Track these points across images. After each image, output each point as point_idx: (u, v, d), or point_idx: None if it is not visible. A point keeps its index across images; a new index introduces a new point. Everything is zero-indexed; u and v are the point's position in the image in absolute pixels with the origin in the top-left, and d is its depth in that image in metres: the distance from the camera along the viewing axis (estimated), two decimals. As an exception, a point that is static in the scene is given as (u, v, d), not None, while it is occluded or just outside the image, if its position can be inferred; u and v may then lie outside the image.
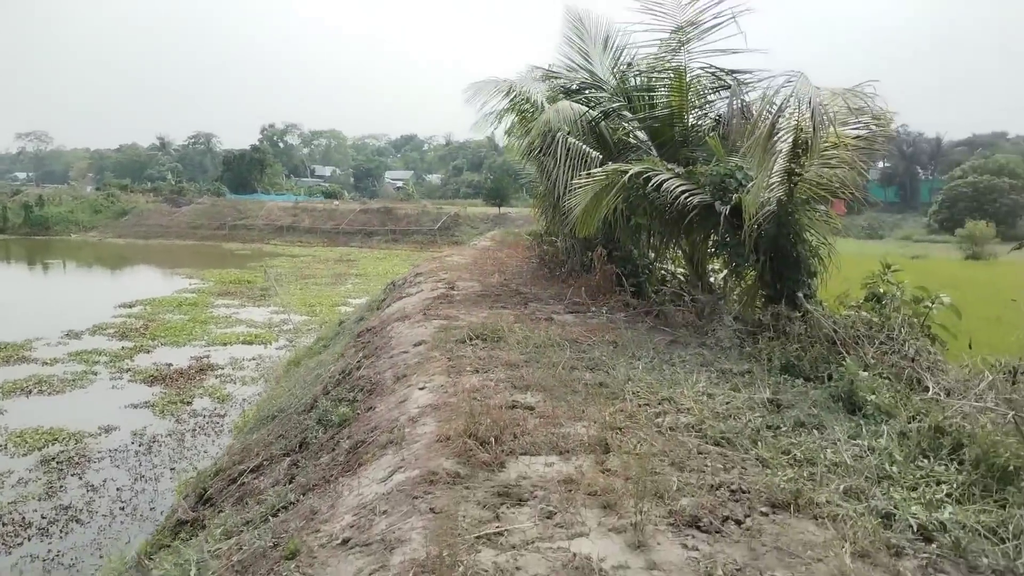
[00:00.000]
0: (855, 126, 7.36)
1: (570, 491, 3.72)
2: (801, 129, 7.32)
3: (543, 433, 4.63)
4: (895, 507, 3.67)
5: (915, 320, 7.45)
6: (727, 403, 5.50)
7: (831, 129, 6.49)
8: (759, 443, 4.62)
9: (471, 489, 3.73)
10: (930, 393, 5.83)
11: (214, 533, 4.52)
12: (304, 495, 4.56)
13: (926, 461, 4.27)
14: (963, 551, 3.29)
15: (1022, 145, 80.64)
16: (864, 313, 8.21)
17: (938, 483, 3.99)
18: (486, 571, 2.88)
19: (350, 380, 7.50)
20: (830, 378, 6.12)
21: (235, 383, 15.37)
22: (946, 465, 4.20)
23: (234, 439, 10.47)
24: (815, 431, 4.87)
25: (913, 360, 6.33)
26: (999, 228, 43.14)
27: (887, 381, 5.96)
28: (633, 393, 5.67)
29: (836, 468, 4.22)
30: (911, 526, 3.50)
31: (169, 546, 5.58)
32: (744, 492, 3.84)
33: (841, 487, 3.91)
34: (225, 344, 19.20)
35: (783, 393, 5.74)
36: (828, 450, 4.47)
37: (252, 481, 6.13)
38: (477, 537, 3.17)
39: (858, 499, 3.81)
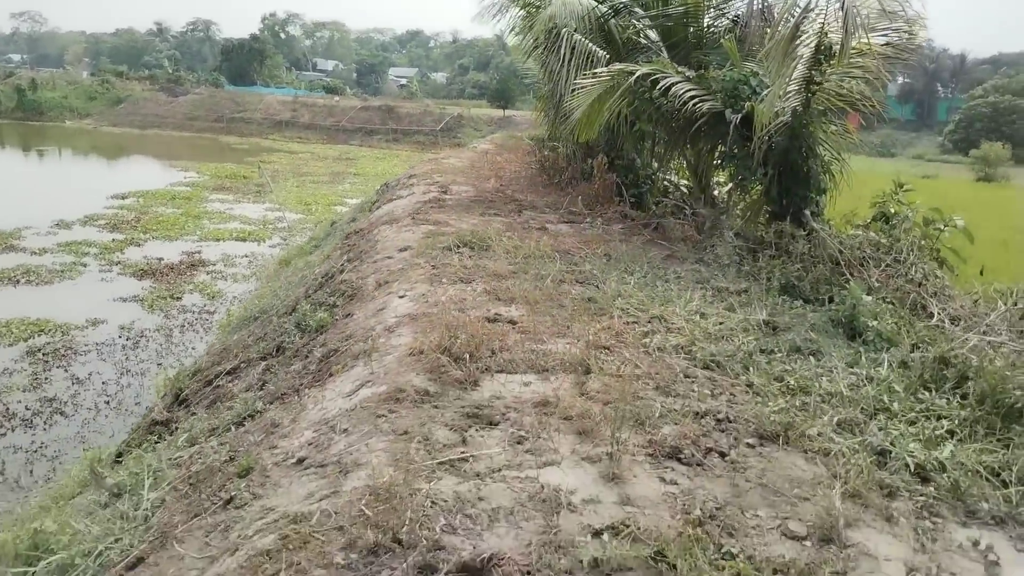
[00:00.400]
0: (883, 32, 6.74)
1: (545, 415, 3.47)
2: (826, 33, 6.72)
3: (522, 350, 4.36)
4: (892, 443, 3.43)
5: (925, 243, 7.08)
6: (720, 323, 5.22)
7: (861, 33, 5.90)
8: (751, 368, 4.36)
9: (440, 409, 3.49)
10: (934, 320, 5.56)
11: (177, 440, 4.33)
12: (270, 404, 4.34)
13: (927, 394, 4.01)
14: (962, 494, 3.07)
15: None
16: (872, 234, 7.84)
17: (939, 418, 3.74)
18: (445, 501, 2.65)
19: (332, 284, 7.22)
20: (831, 300, 5.83)
21: (226, 280, 15.14)
22: (948, 399, 3.94)
23: (216, 339, 10.31)
24: (811, 357, 4.60)
25: (920, 285, 6.02)
26: (1015, 151, 41.95)
27: (891, 306, 5.67)
28: (622, 310, 5.38)
29: (831, 398, 3.96)
30: (907, 465, 3.26)
31: (140, 447, 5.43)
32: (731, 422, 3.60)
33: (835, 419, 3.67)
34: (218, 240, 18.87)
35: (781, 315, 5.46)
36: (824, 378, 4.22)
37: (227, 384, 5.93)
38: (440, 463, 2.93)
39: (852, 433, 3.57)
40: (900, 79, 67.57)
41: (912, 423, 3.71)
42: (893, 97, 65.47)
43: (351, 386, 3.93)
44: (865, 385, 4.17)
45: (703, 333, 4.96)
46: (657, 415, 3.56)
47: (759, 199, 7.99)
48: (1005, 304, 5.35)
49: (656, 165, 10.85)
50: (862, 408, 3.85)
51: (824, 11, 6.45)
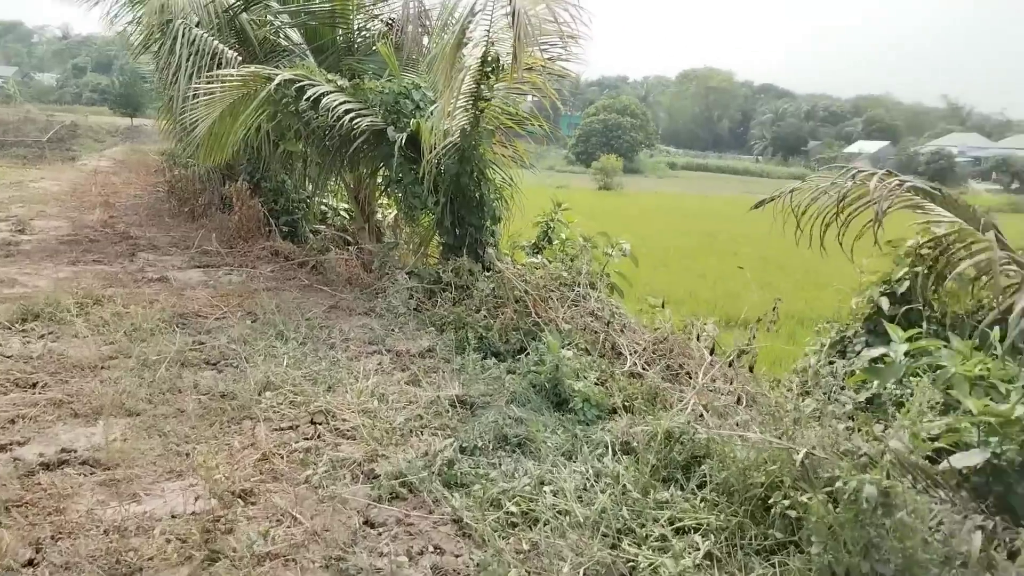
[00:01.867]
0: (546, 46, 6.14)
1: None
2: (492, 42, 5.90)
3: (99, 527, 2.60)
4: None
5: (599, 271, 6.71)
6: (407, 406, 3.98)
7: (530, 44, 5.11)
8: (453, 490, 3.17)
9: None
10: (628, 365, 4.99)
11: None
12: None
13: (667, 491, 3.20)
14: None
15: (639, 88, 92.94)
16: (547, 260, 7.34)
17: (693, 530, 2.93)
18: None
19: None
20: (522, 350, 4.98)
21: None
22: (692, 496, 3.18)
23: None
24: (523, 455, 3.57)
25: (608, 324, 5.47)
26: (625, 162, 48.77)
27: (586, 353, 4.99)
28: (273, 408, 3.83)
29: (564, 523, 2.94)
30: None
31: None
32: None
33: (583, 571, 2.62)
34: None
35: (474, 382, 4.40)
36: (548, 490, 3.19)
37: None
38: None
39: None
40: (530, 96, 74.64)
41: (663, 548, 2.83)
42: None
43: None
44: (594, 485, 3.25)
45: (385, 431, 3.65)
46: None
47: (430, 230, 6.98)
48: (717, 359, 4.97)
49: (311, 188, 9.31)
50: (603, 534, 2.88)
51: (491, 16, 5.61)
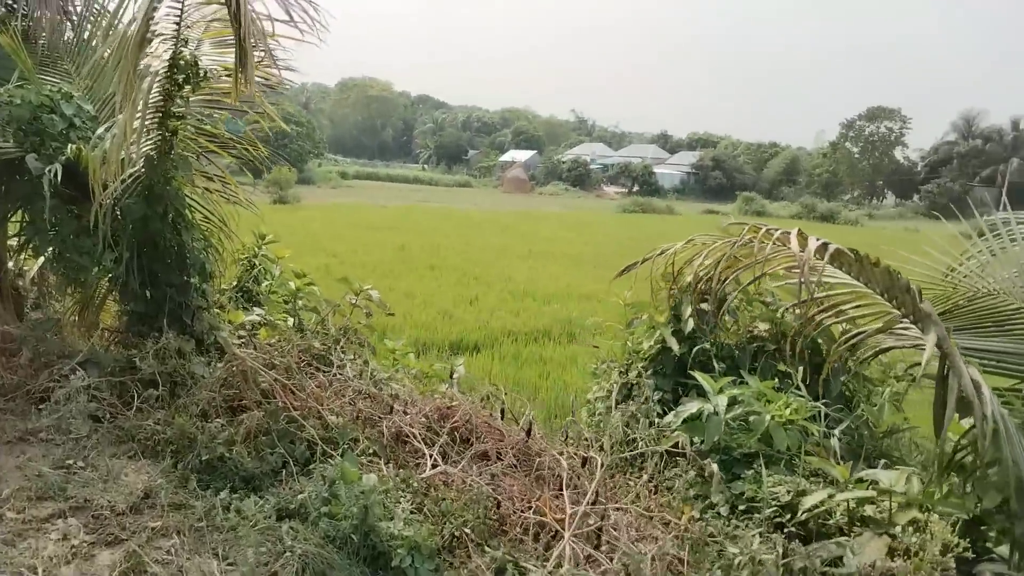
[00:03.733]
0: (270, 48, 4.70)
1: None
2: (185, 40, 4.30)
3: None
4: None
5: (354, 327, 5.49)
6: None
7: (259, 44, 3.68)
8: None
9: None
10: (429, 464, 3.95)
11: None
12: None
13: None
14: None
15: (299, 95, 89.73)
16: (272, 317, 5.89)
17: None
18: None
19: None
20: (284, 466, 3.63)
21: None
22: None
23: None
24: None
25: (392, 409, 4.32)
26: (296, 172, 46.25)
27: (375, 458, 3.81)
28: None
29: None
30: None
31: None
32: None
33: None
34: None
35: (236, 548, 2.96)
36: None
37: None
38: None
39: None
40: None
41: None
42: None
43: None
44: None
45: None
46: None
47: (105, 295, 5.07)
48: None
49: None
50: None
51: (182, 4, 4.03)
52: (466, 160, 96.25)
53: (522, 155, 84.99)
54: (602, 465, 3.57)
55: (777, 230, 2.45)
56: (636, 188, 69.55)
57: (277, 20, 3.67)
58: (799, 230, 2.36)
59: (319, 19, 3.73)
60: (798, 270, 2.49)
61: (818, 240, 2.30)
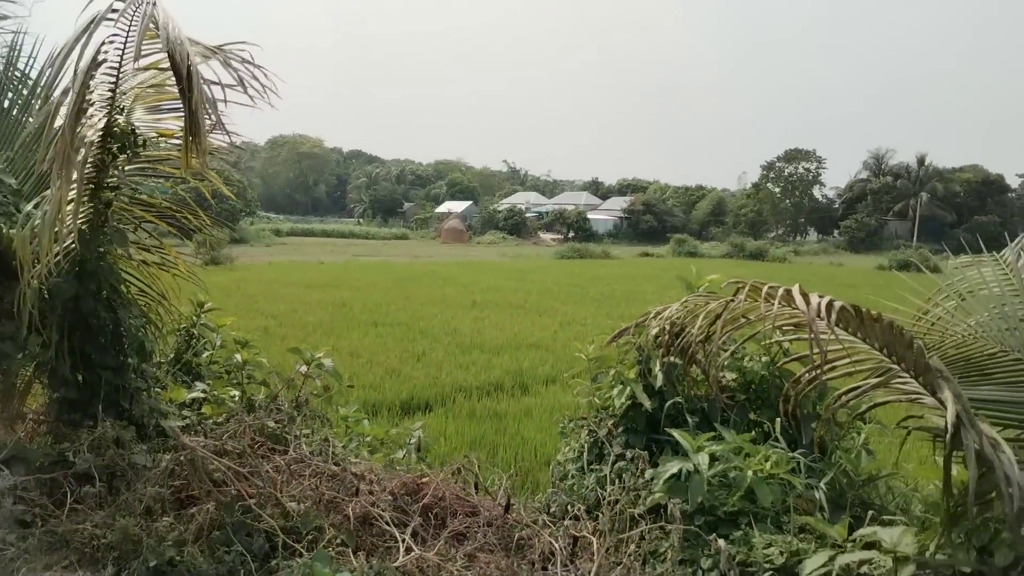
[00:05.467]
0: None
1: None
2: (121, 108, 4.04)
3: None
4: None
5: (307, 399, 5.18)
6: None
7: (209, 104, 3.45)
8: None
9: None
10: (403, 550, 3.67)
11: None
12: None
13: None
14: None
15: (228, 154, 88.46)
16: (217, 392, 5.51)
17: None
18: None
19: None
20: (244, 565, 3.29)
21: None
22: None
23: None
24: None
25: (358, 490, 4.02)
26: (229, 231, 45.08)
27: (343, 547, 3.50)
28: None
29: None
30: None
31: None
32: None
33: None
34: None
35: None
36: None
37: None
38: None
39: None
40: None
41: None
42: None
43: None
44: None
45: None
46: None
47: (30, 381, 4.63)
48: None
49: None
50: None
51: (118, 69, 3.78)
52: (402, 213, 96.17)
53: (458, 206, 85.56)
54: (600, 549, 3.36)
55: (779, 288, 2.36)
56: (572, 234, 70.65)
57: (227, 86, 3.46)
58: (800, 287, 2.28)
59: (269, 84, 3.56)
60: (790, 327, 2.40)
61: (821, 297, 2.23)
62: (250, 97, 3.49)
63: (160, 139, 4.85)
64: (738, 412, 4.73)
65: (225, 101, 3.72)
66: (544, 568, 3.32)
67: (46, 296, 4.23)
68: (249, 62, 3.66)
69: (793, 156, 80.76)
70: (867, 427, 4.72)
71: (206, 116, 3.11)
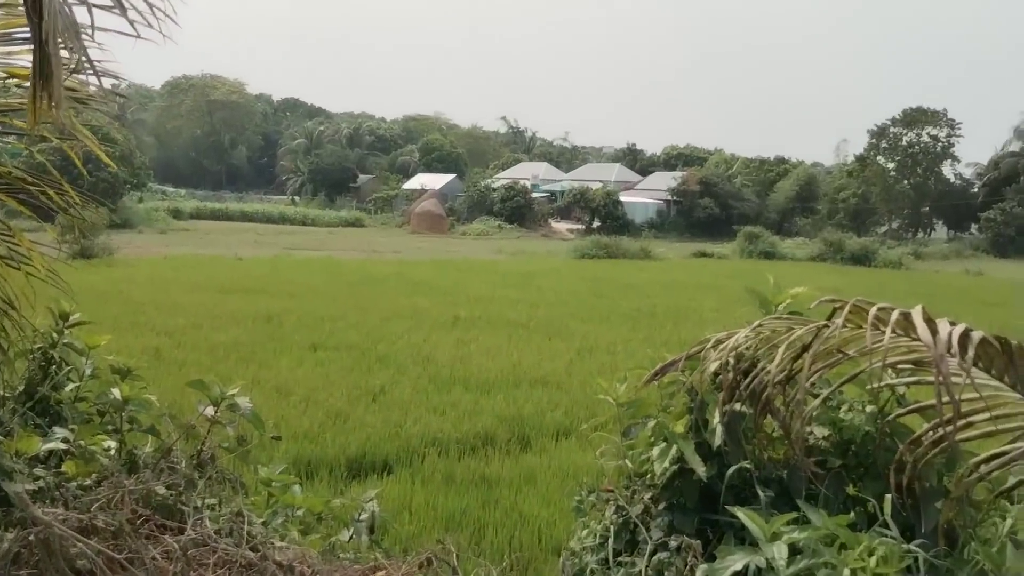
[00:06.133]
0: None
1: None
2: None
3: None
4: None
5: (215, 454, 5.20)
6: None
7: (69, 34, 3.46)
8: None
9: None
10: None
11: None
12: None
13: None
14: None
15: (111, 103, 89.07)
16: (90, 446, 5.53)
17: None
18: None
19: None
20: None
21: None
22: None
23: None
24: None
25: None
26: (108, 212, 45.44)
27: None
28: None
29: None
30: None
31: None
32: None
33: None
34: None
35: None
36: None
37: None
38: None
39: None
40: None
41: None
42: None
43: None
44: None
45: None
46: None
47: None
48: None
49: None
50: None
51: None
52: (355, 189, 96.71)
53: (436, 180, 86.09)
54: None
55: (892, 309, 2.36)
56: (597, 223, 71.07)
57: (96, 6, 3.45)
58: (923, 309, 2.28)
59: (161, 6, 3.54)
60: (908, 365, 2.40)
61: (953, 324, 2.22)
62: (130, 23, 3.47)
63: (10, 81, 4.89)
64: (831, 485, 4.74)
65: (100, 28, 3.72)
66: None
67: None
68: None
69: (915, 119, 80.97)
70: (1015, 509, 4.73)
71: (66, 47, 3.10)
